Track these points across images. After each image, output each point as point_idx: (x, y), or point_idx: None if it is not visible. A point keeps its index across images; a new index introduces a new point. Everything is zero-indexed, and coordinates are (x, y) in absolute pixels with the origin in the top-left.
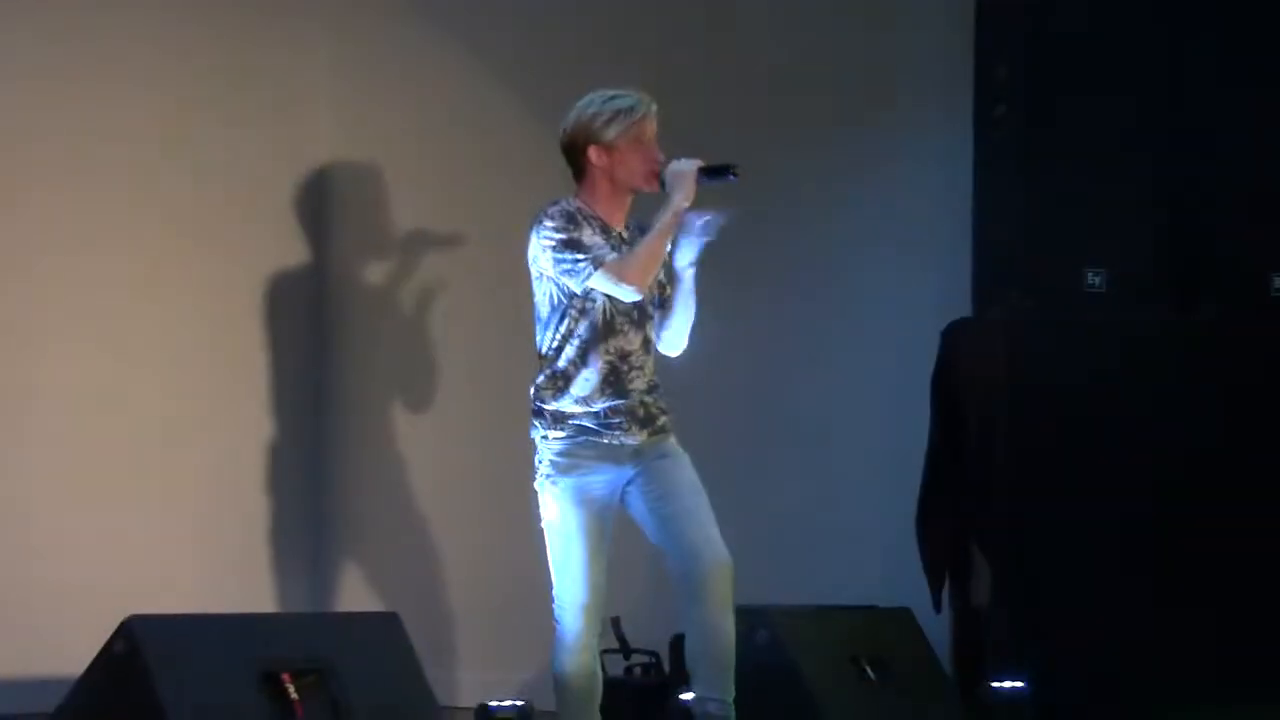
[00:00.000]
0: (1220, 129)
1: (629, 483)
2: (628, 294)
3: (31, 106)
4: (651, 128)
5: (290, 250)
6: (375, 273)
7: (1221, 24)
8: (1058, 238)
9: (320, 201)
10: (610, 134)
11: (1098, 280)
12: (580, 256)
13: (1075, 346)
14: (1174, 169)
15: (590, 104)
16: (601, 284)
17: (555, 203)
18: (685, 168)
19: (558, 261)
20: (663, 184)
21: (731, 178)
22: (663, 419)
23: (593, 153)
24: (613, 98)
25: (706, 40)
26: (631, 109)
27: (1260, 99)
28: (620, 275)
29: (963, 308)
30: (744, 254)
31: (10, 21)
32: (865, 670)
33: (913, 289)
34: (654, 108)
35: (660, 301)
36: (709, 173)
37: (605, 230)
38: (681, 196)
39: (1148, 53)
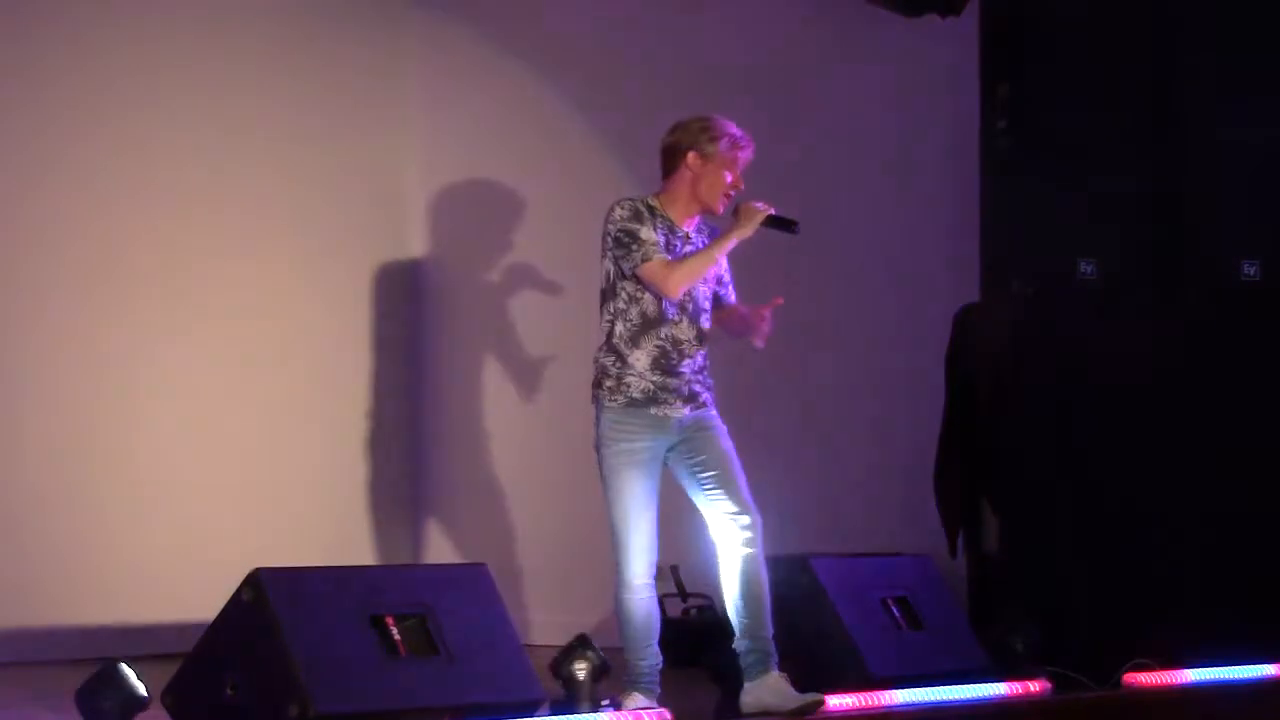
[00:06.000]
0: (1196, 136)
1: (672, 449)
2: (664, 294)
3: (175, 135)
4: (746, 160)
5: (393, 249)
6: (464, 268)
7: (1205, 45)
8: (1054, 233)
9: (414, 206)
10: (713, 148)
11: (1089, 269)
12: (635, 248)
13: (1070, 327)
14: (1156, 171)
15: (705, 119)
16: (646, 276)
17: (632, 197)
18: (758, 208)
19: (616, 245)
20: (735, 212)
21: (793, 231)
22: (704, 395)
23: (691, 158)
24: (725, 122)
25: (755, 60)
26: (738, 137)
27: (1231, 110)
28: (663, 278)
29: (972, 294)
30: (792, 254)
31: (152, 74)
32: (891, 610)
33: (929, 277)
34: (753, 146)
35: (716, 298)
36: (774, 222)
37: (671, 229)
38: (744, 230)
39: (1132, 72)
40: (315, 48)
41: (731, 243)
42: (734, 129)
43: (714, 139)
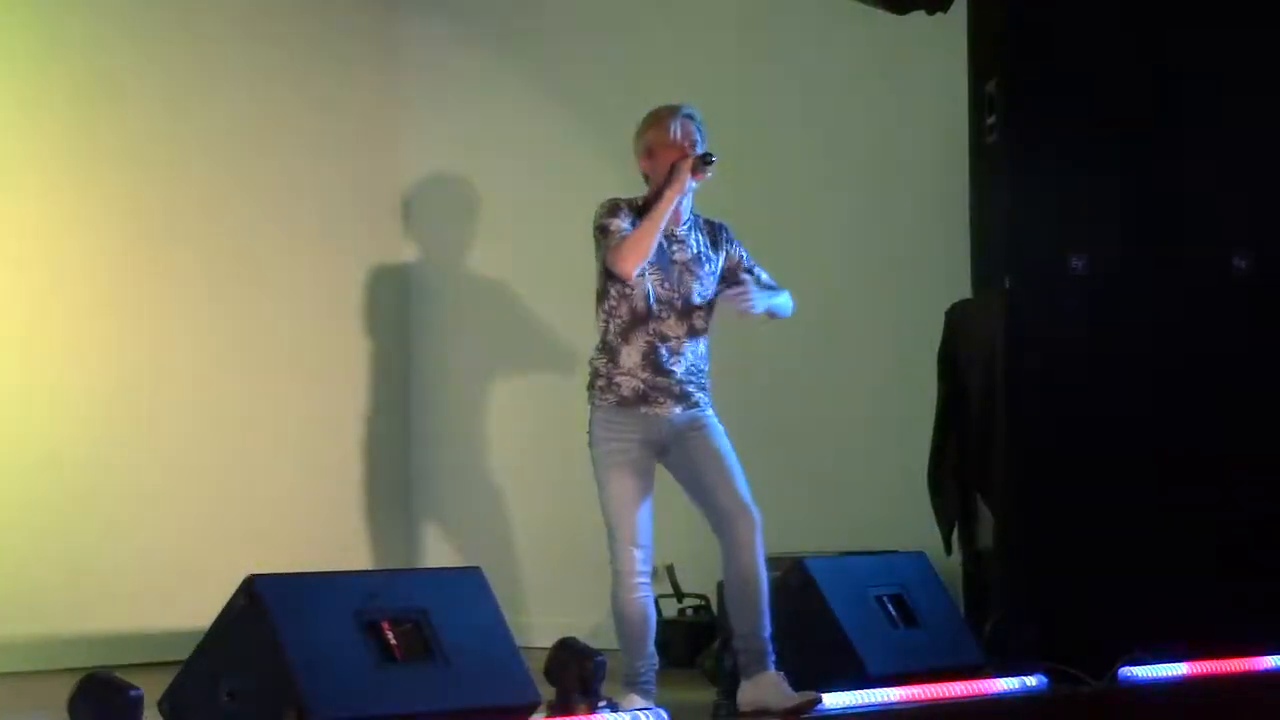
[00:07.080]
0: (1184, 131)
1: (668, 450)
2: (620, 275)
3: (171, 140)
4: (681, 128)
5: (381, 250)
6: (459, 270)
7: (1193, 38)
8: (1044, 228)
9: (409, 208)
10: (646, 139)
11: (1079, 264)
12: (604, 240)
13: (1061, 321)
14: (1145, 165)
15: (641, 121)
16: (609, 264)
17: (619, 197)
18: (683, 161)
19: (595, 243)
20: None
21: (712, 161)
22: (698, 395)
23: (641, 163)
24: (652, 111)
25: (746, 60)
26: (659, 119)
27: (1220, 104)
28: (611, 259)
29: (963, 290)
30: (782, 252)
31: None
32: (887, 607)
33: (920, 275)
34: (685, 111)
35: (718, 294)
36: (700, 165)
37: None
38: (674, 187)
39: (1119, 67)
40: (312, 50)
41: (667, 203)
42: (661, 111)
43: (647, 129)
